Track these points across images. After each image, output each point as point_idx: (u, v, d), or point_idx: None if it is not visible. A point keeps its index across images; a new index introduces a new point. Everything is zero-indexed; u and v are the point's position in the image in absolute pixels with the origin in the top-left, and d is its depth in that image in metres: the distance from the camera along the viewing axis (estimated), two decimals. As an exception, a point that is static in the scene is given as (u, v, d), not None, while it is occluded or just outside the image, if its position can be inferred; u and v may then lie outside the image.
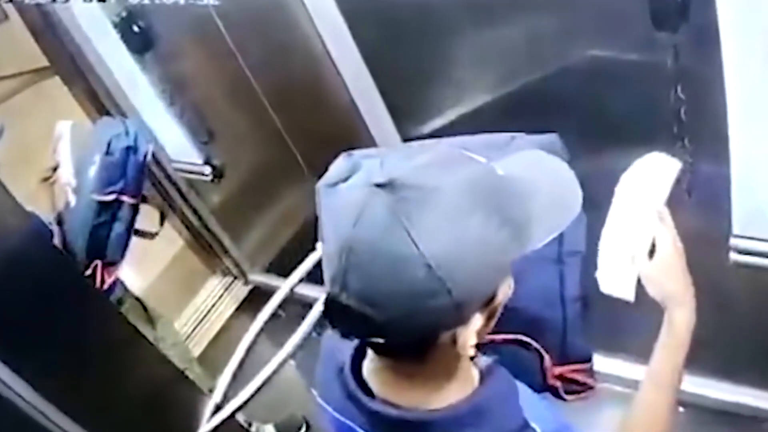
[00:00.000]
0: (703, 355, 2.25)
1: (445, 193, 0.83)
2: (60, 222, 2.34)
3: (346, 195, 0.88)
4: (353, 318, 0.85)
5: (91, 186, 2.30)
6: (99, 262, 2.34)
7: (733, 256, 1.84)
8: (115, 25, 2.66)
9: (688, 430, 2.25)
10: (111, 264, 2.39)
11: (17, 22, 2.75)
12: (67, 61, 2.92)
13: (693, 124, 1.69)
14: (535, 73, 1.87)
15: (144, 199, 2.49)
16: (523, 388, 1.03)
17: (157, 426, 2.30)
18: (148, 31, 2.66)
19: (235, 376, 2.28)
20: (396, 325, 0.85)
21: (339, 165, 1.41)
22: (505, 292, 0.93)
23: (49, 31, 2.81)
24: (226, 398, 2.61)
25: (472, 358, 1.02)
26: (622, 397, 2.17)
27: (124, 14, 2.61)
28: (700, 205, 1.81)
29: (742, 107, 1.56)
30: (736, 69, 1.50)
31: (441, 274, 0.80)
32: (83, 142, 2.40)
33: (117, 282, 2.50)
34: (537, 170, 1.01)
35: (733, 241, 1.83)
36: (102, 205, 2.30)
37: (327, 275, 0.89)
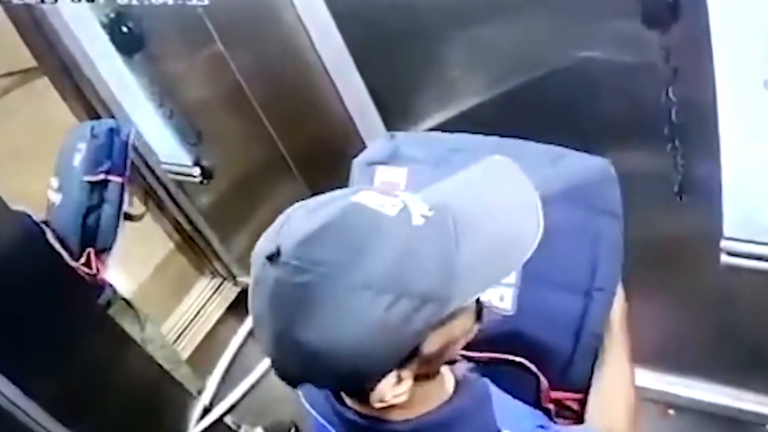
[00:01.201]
0: (693, 358, 2.26)
1: (326, 274, 0.77)
2: (47, 224, 2.36)
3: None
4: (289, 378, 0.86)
5: (80, 172, 2.39)
6: (91, 250, 2.39)
7: (724, 259, 1.84)
8: (104, 26, 2.65)
9: (676, 432, 2.26)
10: (103, 251, 2.44)
11: (5, 23, 2.73)
12: (55, 62, 2.91)
13: (684, 126, 1.68)
14: (527, 74, 1.86)
15: (130, 180, 2.56)
16: (499, 394, 1.01)
17: (145, 428, 2.29)
18: (137, 32, 2.65)
19: (223, 378, 2.27)
20: (323, 383, 0.89)
21: (380, 145, 1.36)
22: (437, 342, 0.86)
23: (37, 32, 2.80)
24: (214, 400, 2.60)
25: (452, 363, 1.01)
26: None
27: (112, 15, 2.60)
28: (691, 207, 1.81)
29: (732, 108, 1.56)
30: (727, 70, 1.50)
31: (324, 361, 0.79)
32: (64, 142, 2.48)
33: (106, 284, 2.51)
34: (489, 194, 0.93)
35: (723, 244, 1.82)
36: (93, 185, 2.39)
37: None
